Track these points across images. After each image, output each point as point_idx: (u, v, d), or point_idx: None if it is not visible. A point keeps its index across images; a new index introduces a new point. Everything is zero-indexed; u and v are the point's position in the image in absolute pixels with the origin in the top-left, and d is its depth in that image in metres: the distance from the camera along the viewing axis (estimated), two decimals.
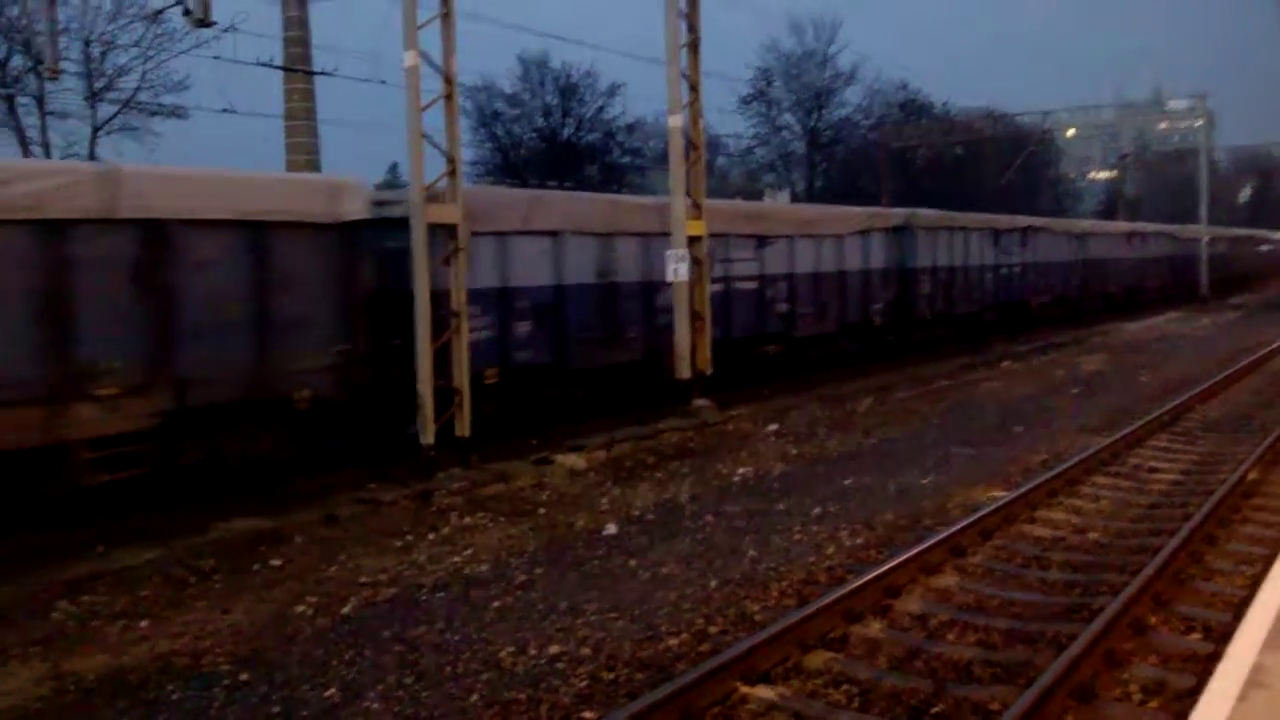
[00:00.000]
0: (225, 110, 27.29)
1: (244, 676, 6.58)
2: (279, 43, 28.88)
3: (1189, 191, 66.91)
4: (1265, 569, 6.87)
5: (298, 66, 36.24)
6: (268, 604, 7.97)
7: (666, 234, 15.71)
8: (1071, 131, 62.40)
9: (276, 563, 8.99)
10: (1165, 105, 70.19)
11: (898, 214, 24.69)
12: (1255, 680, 4.62)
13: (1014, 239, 29.24)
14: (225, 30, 22.67)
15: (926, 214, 25.79)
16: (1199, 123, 58.94)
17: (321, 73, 27.62)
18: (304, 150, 41.06)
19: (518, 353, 14.44)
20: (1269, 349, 23.24)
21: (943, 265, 25.54)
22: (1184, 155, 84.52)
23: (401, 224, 12.11)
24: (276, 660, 6.85)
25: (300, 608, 7.85)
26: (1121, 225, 41.08)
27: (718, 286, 17.55)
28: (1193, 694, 5.43)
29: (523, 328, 14.49)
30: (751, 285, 19.09)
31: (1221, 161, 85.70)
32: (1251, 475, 10.53)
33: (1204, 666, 5.93)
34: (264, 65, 26.86)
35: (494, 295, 14.03)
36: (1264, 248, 66.62)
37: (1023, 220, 31.04)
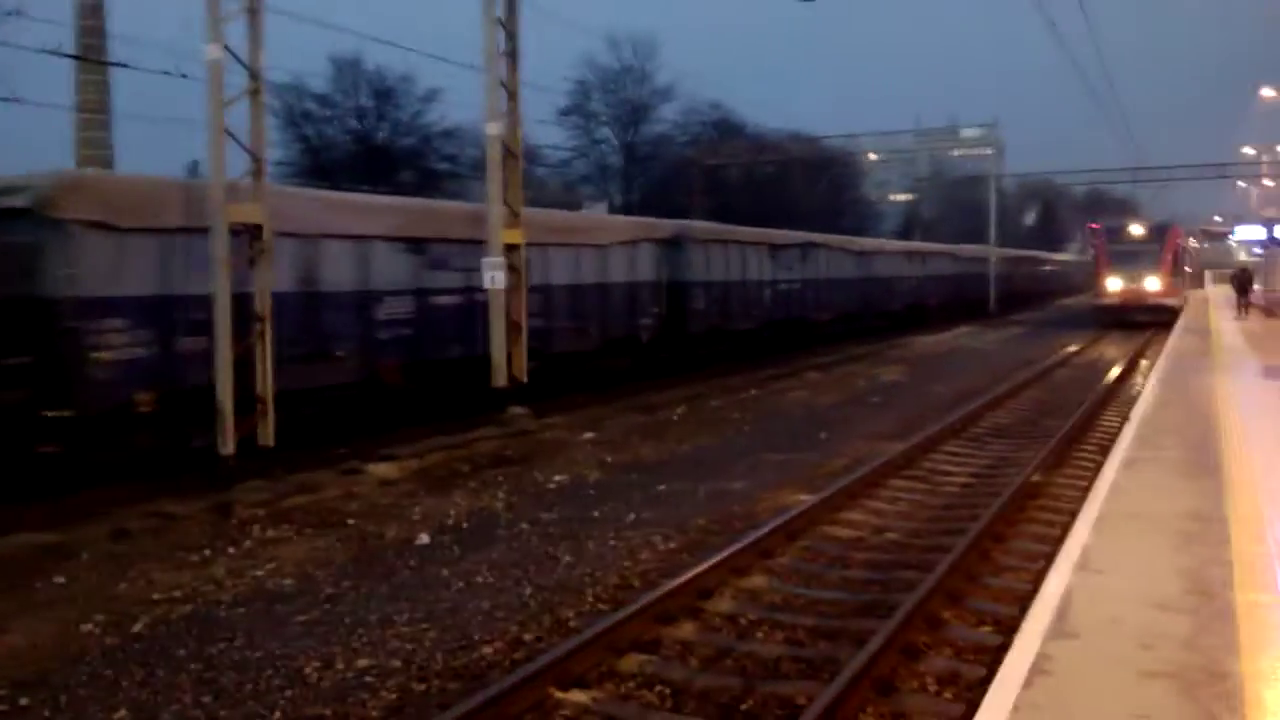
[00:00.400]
0: (7, 99, 25.34)
1: (23, 701, 6.11)
2: (71, 30, 26.99)
3: (980, 214, 71.18)
4: (1048, 565, 7.32)
5: (91, 56, 34.18)
6: (51, 623, 7.41)
7: (395, 239, 14.58)
8: (873, 155, 65.50)
9: (60, 579, 8.38)
10: (959, 133, 74.40)
11: (668, 225, 23.95)
12: (1040, 668, 4.91)
13: (793, 255, 28.72)
14: (9, 14, 21.04)
15: (700, 226, 25.50)
16: (989, 150, 62.82)
17: (117, 64, 26.03)
18: (97, 145, 38.75)
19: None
20: (1050, 361, 24.99)
21: (718, 280, 24.60)
22: (976, 180, 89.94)
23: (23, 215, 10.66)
24: (60, 682, 6.37)
25: (87, 626, 7.34)
26: (903, 244, 42.07)
27: (454, 299, 15.93)
28: (984, 683, 5.72)
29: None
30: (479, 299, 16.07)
31: (1010, 187, 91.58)
32: (1035, 478, 11.24)
33: (994, 657, 6.26)
34: (53, 53, 25.11)
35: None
36: (1046, 268, 71.60)
37: (801, 236, 30.40)
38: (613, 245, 20.57)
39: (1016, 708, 4.47)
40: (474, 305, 16.01)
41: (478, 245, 15.54)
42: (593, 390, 19.35)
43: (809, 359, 26.63)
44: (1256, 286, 59.08)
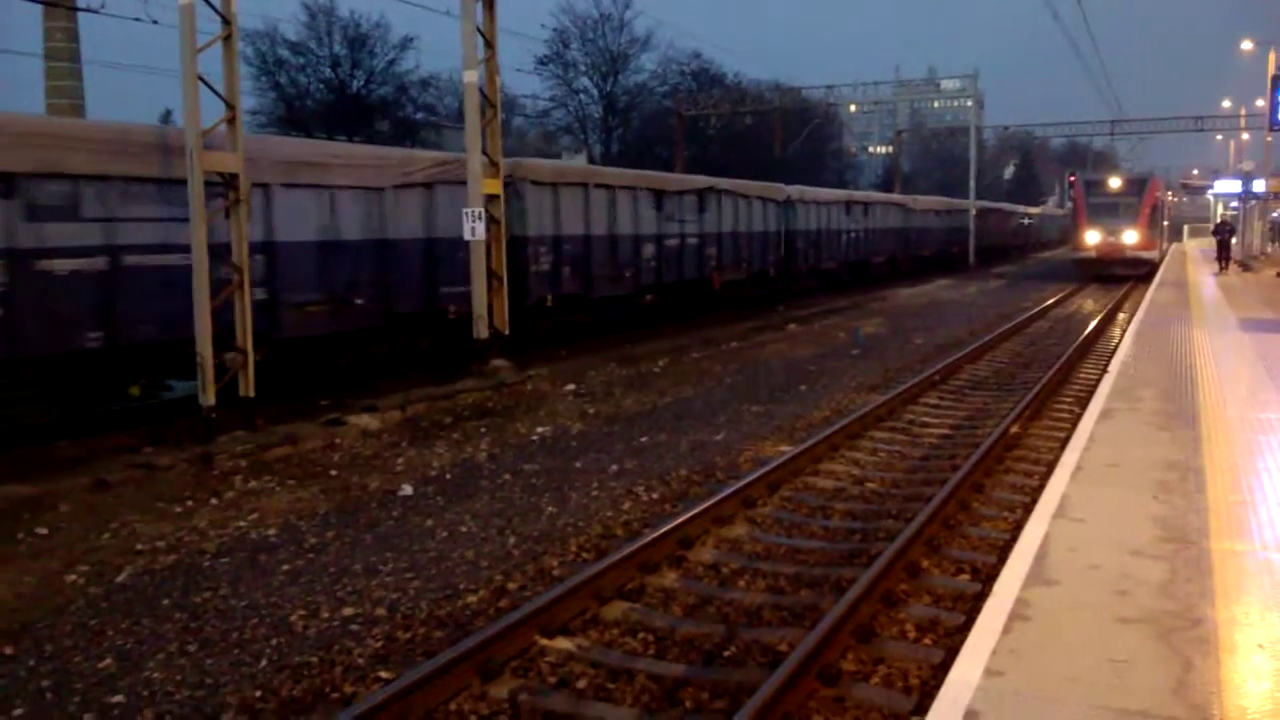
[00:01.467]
0: None
1: (8, 650, 6.13)
2: None
3: (959, 166, 71.11)
4: (1026, 514, 7.42)
5: (59, 2, 33.46)
6: (34, 574, 7.41)
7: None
8: (853, 107, 65.20)
9: (43, 531, 8.36)
10: (939, 85, 74.15)
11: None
12: (1018, 614, 4.98)
13: (687, 203, 23.50)
14: None
15: (536, 164, 19.36)
16: (969, 102, 62.63)
17: (86, 9, 25.48)
18: (67, 94, 38.06)
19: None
20: (1029, 314, 25.12)
21: (572, 234, 19.13)
22: (955, 132, 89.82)
23: None
24: (45, 632, 6.38)
25: (71, 577, 7.34)
26: (839, 193, 36.03)
27: (98, 261, 11.18)
28: (963, 630, 5.84)
29: None
30: (181, 260, 11.35)
31: (989, 140, 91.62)
32: (1014, 429, 11.34)
33: (972, 604, 6.38)
34: None
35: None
36: (1026, 221, 71.60)
37: (701, 180, 25.00)
38: (392, 189, 15.12)
39: (995, 652, 4.54)
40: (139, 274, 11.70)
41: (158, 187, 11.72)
42: (572, 343, 19.36)
43: (790, 311, 26.70)
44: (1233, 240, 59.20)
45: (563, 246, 18.88)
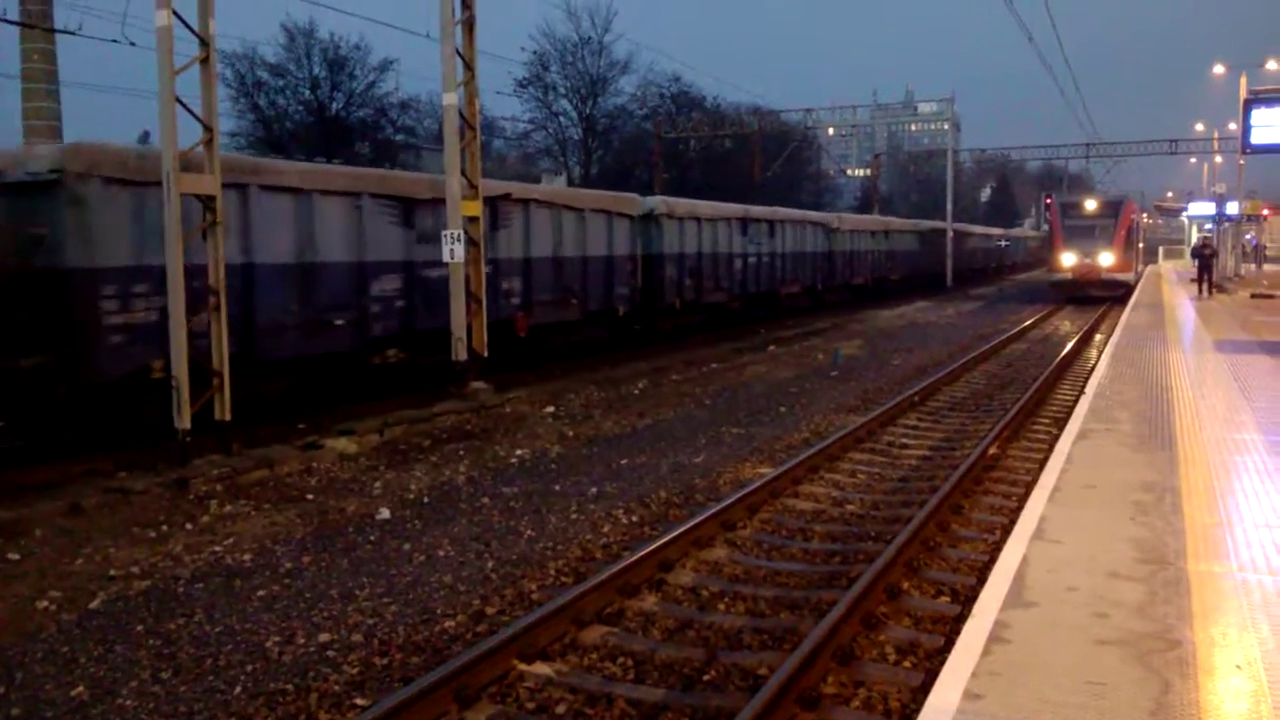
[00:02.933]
0: None
1: None
2: None
3: (936, 189, 71.61)
4: (1005, 536, 7.42)
5: (36, 23, 33.33)
6: (5, 601, 7.30)
7: None
8: (831, 131, 65.71)
9: (14, 556, 8.25)
10: (916, 108, 74.80)
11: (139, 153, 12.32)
12: (997, 636, 4.97)
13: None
14: None
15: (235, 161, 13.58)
16: (946, 125, 63.19)
17: (64, 31, 25.39)
18: (44, 115, 37.84)
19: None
20: (1006, 335, 25.27)
21: (267, 263, 13.20)
22: (933, 155, 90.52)
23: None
24: (16, 659, 6.29)
25: (43, 603, 7.24)
26: (731, 208, 28.20)
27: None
28: (942, 652, 5.83)
29: None
30: None
31: (966, 162, 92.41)
32: (992, 451, 11.39)
33: (952, 626, 6.38)
34: None
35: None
36: (1003, 243, 72.08)
37: (497, 186, 18.08)
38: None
39: (975, 675, 4.53)
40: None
41: None
42: (552, 363, 19.32)
43: (771, 332, 26.76)
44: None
45: (264, 280, 13.36)
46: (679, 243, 24.36)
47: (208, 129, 11.61)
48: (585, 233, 20.51)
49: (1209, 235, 42.99)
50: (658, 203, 24.07)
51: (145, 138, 55.18)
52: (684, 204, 25.95)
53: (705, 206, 26.80)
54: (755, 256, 28.81)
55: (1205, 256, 34.88)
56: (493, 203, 17.09)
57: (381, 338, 15.33)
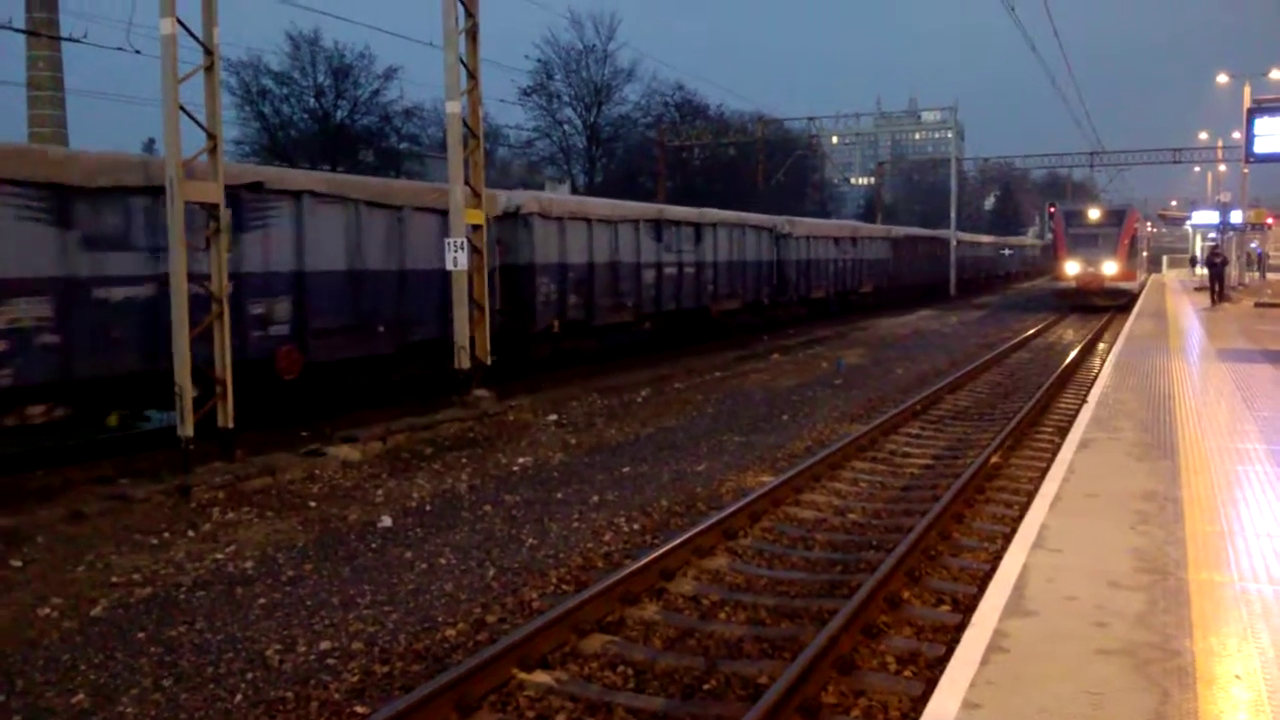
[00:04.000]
0: None
1: None
2: (20, 4, 26.38)
3: (940, 197, 71.54)
4: (1005, 545, 7.41)
5: (42, 32, 33.49)
6: (6, 608, 7.31)
7: None
8: (835, 139, 65.75)
9: (16, 563, 8.26)
10: (920, 117, 74.88)
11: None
12: (996, 645, 4.98)
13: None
14: None
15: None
16: (950, 134, 63.23)
17: (69, 38, 25.47)
18: (49, 123, 38.00)
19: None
20: (1009, 344, 25.26)
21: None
22: (936, 164, 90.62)
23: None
24: (17, 667, 6.29)
25: (44, 610, 7.25)
26: (639, 207, 23.90)
27: None
28: (942, 661, 5.82)
29: None
30: None
31: (970, 171, 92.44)
32: (994, 460, 11.38)
33: (952, 635, 6.37)
34: (4, 28, 24.61)
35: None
36: (1008, 251, 71.86)
37: (243, 172, 13.87)
38: None
39: (974, 684, 4.53)
40: None
41: None
42: (556, 372, 19.35)
43: (774, 341, 26.75)
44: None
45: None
46: (558, 250, 19.19)
47: (211, 136, 11.65)
48: (405, 238, 15.57)
49: (1218, 244, 42.27)
50: (525, 199, 18.96)
51: (149, 145, 55.39)
52: (566, 201, 21.25)
53: (599, 205, 21.92)
54: (675, 267, 23.78)
55: (1216, 265, 34.49)
56: (235, 195, 12.40)
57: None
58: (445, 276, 15.34)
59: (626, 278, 21.73)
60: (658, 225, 23.04)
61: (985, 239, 65.68)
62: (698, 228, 24.92)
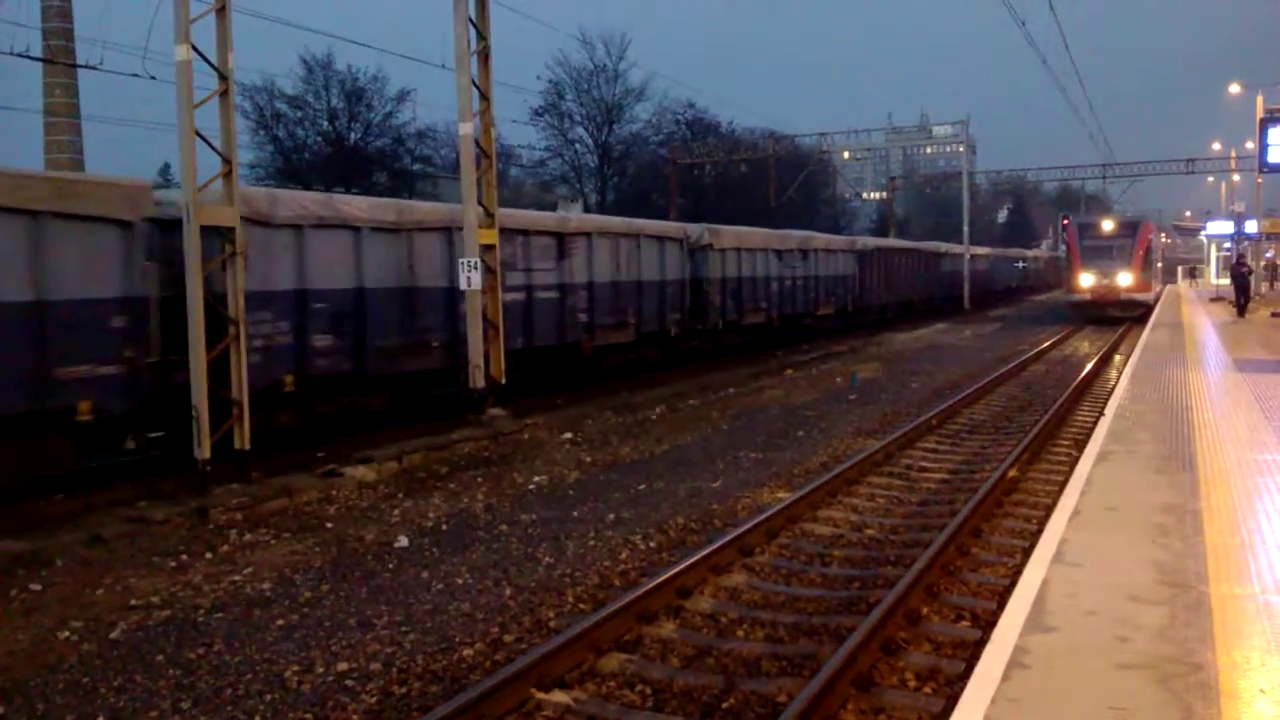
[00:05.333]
0: None
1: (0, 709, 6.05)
2: (37, 32, 26.67)
3: (953, 211, 71.36)
4: (1025, 559, 7.38)
5: (58, 59, 33.84)
6: (27, 631, 7.35)
7: None
8: (846, 154, 65.79)
9: (36, 587, 8.31)
10: (931, 131, 74.85)
11: None
12: (1017, 661, 4.94)
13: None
14: None
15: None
16: (961, 148, 63.17)
17: (85, 65, 25.72)
18: (66, 149, 38.37)
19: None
20: (1025, 357, 25.16)
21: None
22: (949, 178, 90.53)
23: None
24: (38, 690, 6.32)
25: (64, 634, 7.28)
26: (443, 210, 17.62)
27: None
28: (963, 678, 5.78)
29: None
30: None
31: (982, 184, 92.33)
32: (1011, 473, 11.32)
33: (972, 651, 6.33)
34: (21, 56, 24.83)
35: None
36: (1020, 263, 71.53)
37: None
38: None
39: (994, 701, 4.50)
40: None
41: None
42: (571, 390, 19.35)
43: (788, 356, 26.71)
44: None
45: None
46: (292, 273, 13.59)
47: (226, 161, 11.75)
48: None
49: (1243, 254, 41.45)
50: (258, 196, 13.49)
51: (165, 170, 55.83)
52: (300, 197, 14.79)
53: (384, 206, 15.74)
54: (524, 291, 17.97)
55: (1242, 275, 33.99)
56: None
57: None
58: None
59: (428, 311, 15.71)
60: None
61: (954, 250, 54.63)
62: (559, 239, 19.00)
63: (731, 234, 26.50)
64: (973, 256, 54.58)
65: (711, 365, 24.39)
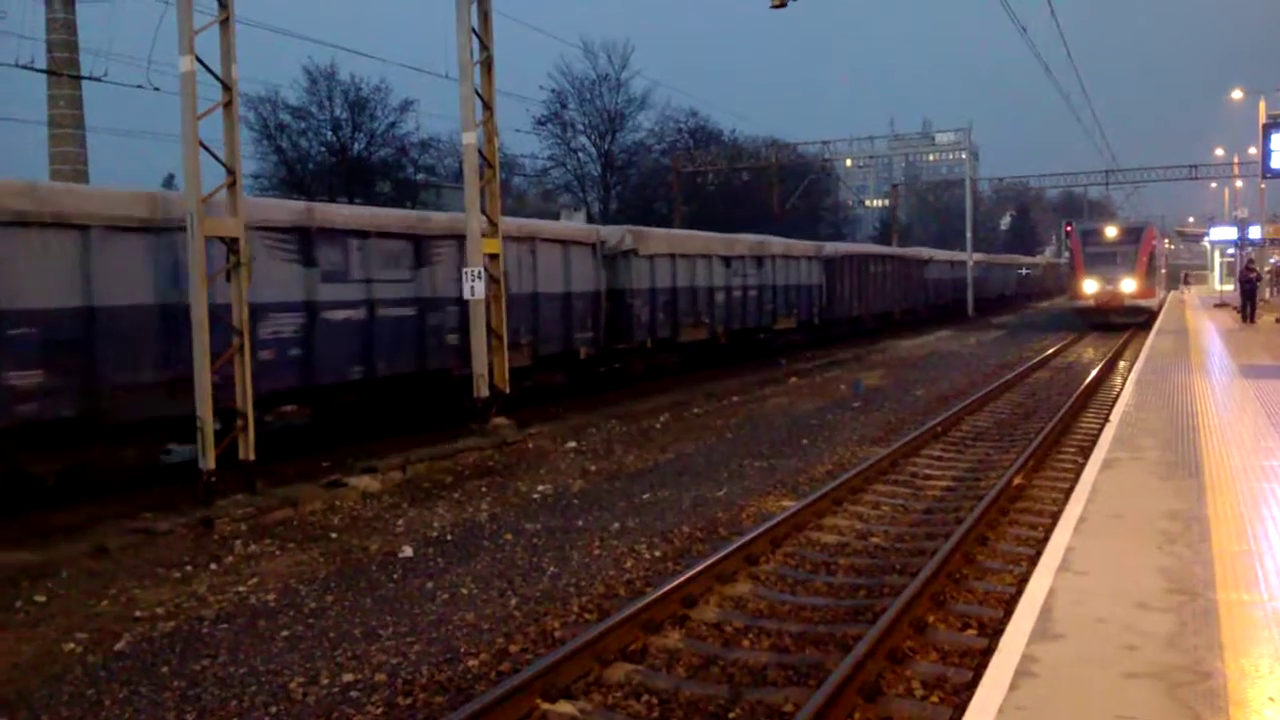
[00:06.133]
0: None
1: None
2: (42, 44, 26.77)
3: (955, 218, 71.33)
4: (1031, 567, 7.35)
5: (62, 71, 33.95)
6: (32, 642, 7.34)
7: None
8: (849, 162, 65.80)
9: (41, 598, 8.30)
10: (934, 138, 74.86)
11: None
12: (1025, 670, 4.92)
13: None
14: None
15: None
16: (964, 155, 63.18)
17: (89, 77, 25.83)
18: (70, 160, 38.48)
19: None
20: (1029, 364, 25.12)
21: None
22: (951, 185, 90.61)
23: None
24: (43, 701, 6.31)
25: (69, 645, 7.28)
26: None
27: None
28: (970, 687, 5.76)
29: None
30: None
31: (985, 191, 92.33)
32: (1017, 481, 11.29)
33: (979, 660, 6.31)
34: (25, 68, 24.94)
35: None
36: (1024, 271, 71.45)
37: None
38: None
39: (1002, 710, 4.47)
40: None
41: None
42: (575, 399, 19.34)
43: (792, 364, 26.67)
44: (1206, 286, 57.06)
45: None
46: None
47: (230, 172, 11.77)
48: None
49: (1251, 260, 40.77)
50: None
51: (169, 180, 55.99)
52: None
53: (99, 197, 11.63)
54: (363, 307, 14.50)
55: (1251, 281, 33.67)
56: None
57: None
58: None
59: (145, 338, 11.75)
60: (307, 238, 13.63)
61: (945, 256, 52.34)
62: (416, 243, 15.53)
63: (662, 238, 23.50)
64: (961, 264, 51.91)
65: (679, 380, 22.58)
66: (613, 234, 21.44)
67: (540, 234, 18.75)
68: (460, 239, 15.73)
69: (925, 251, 47.55)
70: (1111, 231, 39.53)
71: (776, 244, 29.21)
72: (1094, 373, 22.24)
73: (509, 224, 17.60)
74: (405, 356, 15.34)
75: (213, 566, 9.19)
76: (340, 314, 14.09)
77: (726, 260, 25.62)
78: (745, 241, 27.32)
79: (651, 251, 22.03)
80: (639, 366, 22.51)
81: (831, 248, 34.16)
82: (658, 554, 9.27)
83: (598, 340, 20.09)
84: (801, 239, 33.92)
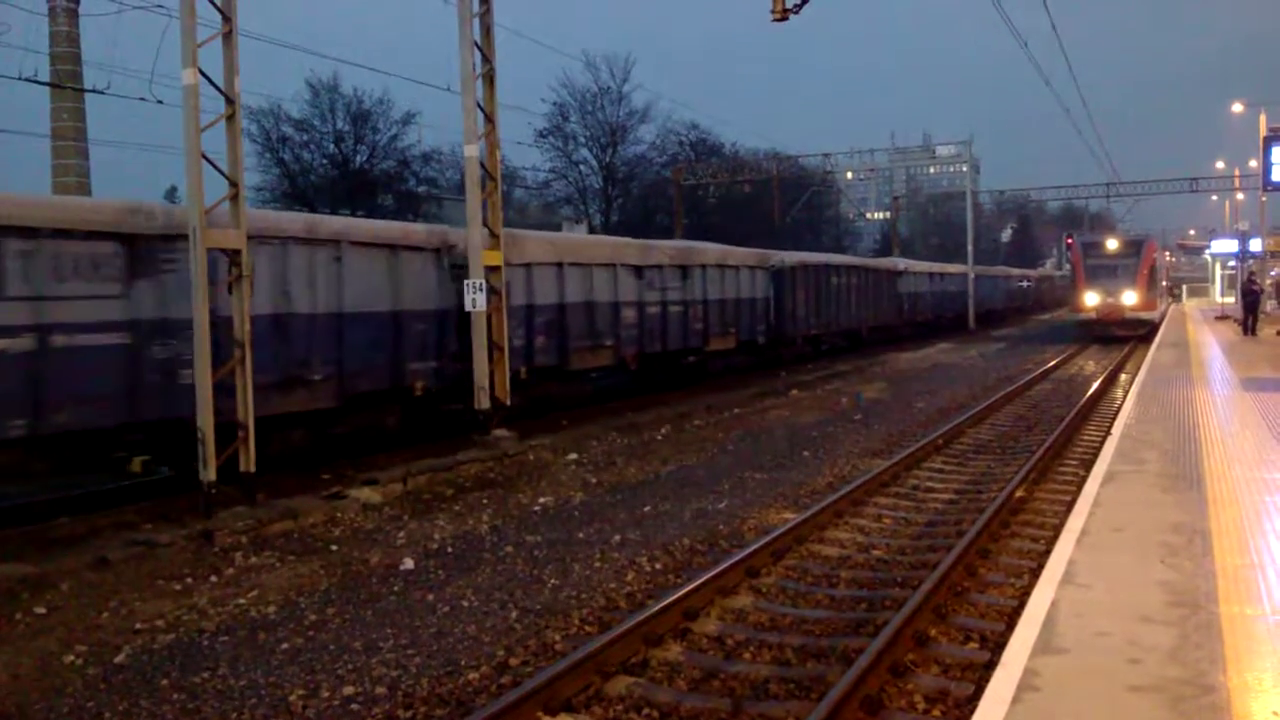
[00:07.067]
0: None
1: None
2: (45, 58, 26.88)
3: (956, 230, 71.41)
4: (1033, 580, 7.34)
5: (66, 83, 34.07)
6: (32, 655, 7.33)
7: None
8: (850, 174, 65.92)
9: (41, 610, 8.29)
10: (934, 151, 75.01)
11: None
12: (1027, 684, 4.90)
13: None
14: None
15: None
16: (965, 167, 63.25)
17: (92, 90, 25.89)
18: (73, 172, 38.57)
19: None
20: (1030, 376, 25.11)
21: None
22: (952, 197, 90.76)
23: None
24: (42, 714, 6.30)
25: (69, 657, 7.26)
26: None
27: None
28: (972, 700, 5.74)
29: None
30: None
31: (986, 203, 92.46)
32: (1019, 493, 11.28)
33: (981, 674, 6.29)
34: (29, 80, 25.01)
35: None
36: (1023, 283, 71.46)
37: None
38: None
39: None
40: None
41: None
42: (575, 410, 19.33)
43: (792, 376, 26.66)
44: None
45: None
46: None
47: (233, 184, 11.79)
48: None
49: (1253, 273, 40.44)
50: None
51: (171, 192, 56.11)
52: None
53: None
54: (32, 332, 10.46)
55: (1254, 293, 33.53)
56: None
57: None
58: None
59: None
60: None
61: (925, 268, 47.32)
62: (124, 242, 11.35)
63: (541, 244, 18.89)
64: (950, 276, 49.04)
65: (689, 392, 22.00)
66: (463, 236, 16.11)
67: (350, 235, 14.34)
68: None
69: (900, 262, 42.84)
70: (1113, 244, 39.57)
71: (709, 251, 25.18)
72: (1095, 385, 22.23)
73: (300, 222, 14.38)
74: (113, 398, 11.06)
75: (213, 579, 9.18)
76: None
77: (638, 270, 21.19)
78: (665, 249, 23.23)
79: (527, 259, 17.65)
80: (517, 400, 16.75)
81: (780, 256, 29.45)
82: (659, 566, 9.25)
83: (442, 370, 15.71)
84: (804, 251, 33.40)
